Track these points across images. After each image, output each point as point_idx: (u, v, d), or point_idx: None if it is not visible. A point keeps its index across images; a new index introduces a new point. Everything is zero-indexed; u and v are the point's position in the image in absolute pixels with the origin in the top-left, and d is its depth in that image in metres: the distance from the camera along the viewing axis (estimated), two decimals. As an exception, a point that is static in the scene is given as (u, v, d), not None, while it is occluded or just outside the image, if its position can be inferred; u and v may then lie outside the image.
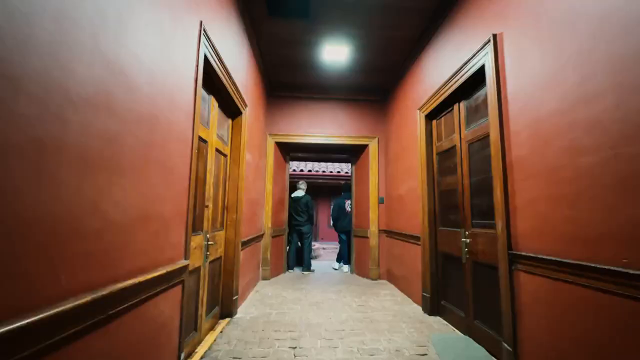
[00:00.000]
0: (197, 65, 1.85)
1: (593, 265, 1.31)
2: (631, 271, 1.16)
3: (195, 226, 2.07)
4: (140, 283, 1.19)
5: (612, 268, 1.23)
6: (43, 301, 0.79)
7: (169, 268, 1.42)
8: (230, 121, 3.00)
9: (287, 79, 4.50)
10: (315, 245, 8.98)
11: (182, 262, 1.60)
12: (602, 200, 1.29)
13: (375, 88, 4.74)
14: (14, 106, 0.71)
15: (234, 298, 2.85)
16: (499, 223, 1.94)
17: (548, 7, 1.62)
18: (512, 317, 1.83)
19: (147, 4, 1.27)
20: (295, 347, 2.30)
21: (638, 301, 1.15)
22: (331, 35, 3.39)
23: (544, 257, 1.58)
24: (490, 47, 2.09)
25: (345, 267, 5.44)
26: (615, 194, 1.24)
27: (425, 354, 2.18)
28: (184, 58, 1.66)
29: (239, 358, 2.10)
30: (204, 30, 1.92)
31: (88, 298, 0.92)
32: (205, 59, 2.01)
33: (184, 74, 1.67)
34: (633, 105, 1.18)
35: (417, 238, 3.32)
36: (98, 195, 0.99)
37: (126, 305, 1.13)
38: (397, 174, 4.19)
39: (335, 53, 3.70)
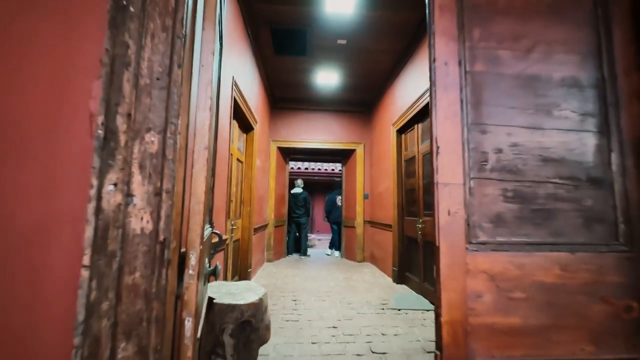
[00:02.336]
0: (231, 106, 2.79)
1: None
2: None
3: (227, 215, 3.03)
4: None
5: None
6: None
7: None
8: (245, 135, 3.94)
9: (287, 94, 5.43)
10: (311, 236, 9.97)
11: (225, 236, 2.56)
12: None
13: (361, 102, 5.68)
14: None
15: (249, 270, 3.82)
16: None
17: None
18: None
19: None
20: (296, 301, 3.28)
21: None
22: (324, 66, 4.32)
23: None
24: (431, 91, 3.05)
25: (336, 253, 6.44)
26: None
27: (386, 303, 3.18)
28: (225, 104, 2.60)
29: (257, 305, 3.08)
30: (234, 80, 2.85)
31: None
32: (234, 99, 2.94)
33: (225, 114, 2.61)
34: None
35: (390, 226, 4.30)
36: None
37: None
38: (377, 175, 5.16)
39: (327, 78, 4.64)
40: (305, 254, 6.10)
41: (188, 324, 0.73)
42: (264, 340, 1.79)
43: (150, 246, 0.62)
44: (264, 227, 5.05)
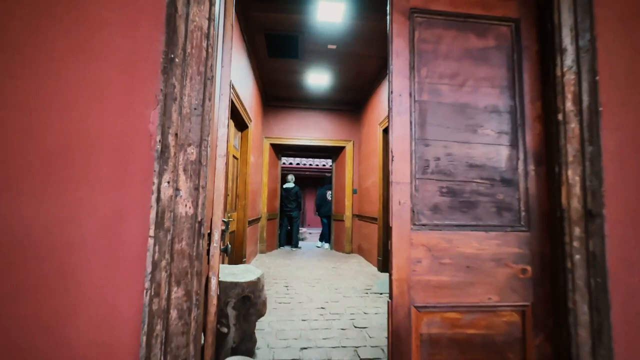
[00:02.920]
0: (229, 108, 3.06)
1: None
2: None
3: (225, 207, 3.32)
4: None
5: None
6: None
7: (221, 228, 2.67)
8: (240, 133, 4.21)
9: (280, 93, 5.69)
10: (303, 230, 10.30)
11: (223, 227, 2.85)
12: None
13: (350, 101, 5.98)
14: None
15: (243, 260, 4.13)
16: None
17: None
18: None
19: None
20: (287, 287, 3.61)
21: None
22: (315, 68, 4.60)
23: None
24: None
25: (326, 245, 6.79)
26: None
27: (370, 288, 3.54)
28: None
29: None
30: (232, 84, 3.12)
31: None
32: (231, 100, 3.22)
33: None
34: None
35: (376, 219, 4.65)
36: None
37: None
38: (365, 170, 5.50)
39: (319, 79, 4.92)
40: (296, 246, 6.43)
41: (213, 279, 1.04)
42: (260, 314, 2.11)
43: (191, 224, 0.92)
44: (257, 220, 5.35)
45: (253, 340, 2.08)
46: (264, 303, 2.14)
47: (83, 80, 0.91)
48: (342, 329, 2.48)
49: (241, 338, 1.99)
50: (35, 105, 0.89)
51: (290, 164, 10.75)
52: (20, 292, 0.84)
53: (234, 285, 1.93)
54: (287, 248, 6.51)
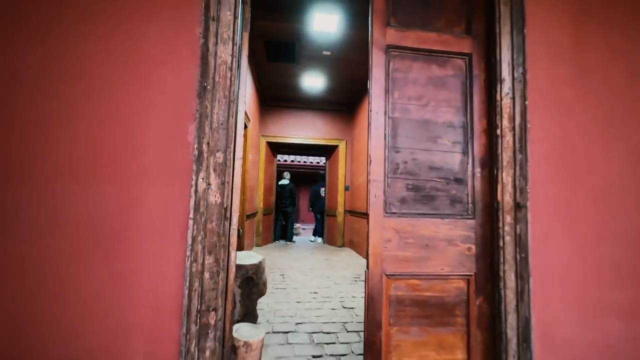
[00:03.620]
0: (243, 121, 3.37)
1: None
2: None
3: (226, 201, 3.64)
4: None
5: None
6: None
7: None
8: (240, 133, 4.52)
9: (277, 94, 6.00)
10: (297, 225, 10.64)
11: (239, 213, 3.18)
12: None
13: (344, 102, 6.32)
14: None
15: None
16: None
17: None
18: (400, 251, 3.54)
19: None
20: (283, 275, 3.96)
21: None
22: (311, 71, 4.93)
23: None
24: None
25: (319, 239, 7.15)
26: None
27: (359, 277, 3.91)
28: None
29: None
30: (235, 89, 3.43)
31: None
32: (234, 104, 3.52)
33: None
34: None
35: (366, 214, 5.01)
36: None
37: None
38: (356, 168, 5.85)
39: (314, 81, 5.25)
40: (291, 240, 6.77)
41: (232, 253, 1.37)
42: (261, 293, 2.45)
43: (219, 210, 1.26)
44: (254, 214, 5.67)
45: (255, 316, 2.43)
46: (265, 284, 2.48)
47: (140, 102, 1.23)
48: (332, 309, 2.85)
49: (245, 313, 2.33)
50: (106, 119, 1.21)
51: (285, 161, 11.06)
52: (94, 258, 1.17)
53: (240, 267, 2.26)
54: (281, 242, 6.86)
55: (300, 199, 13.84)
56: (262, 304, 2.90)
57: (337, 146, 6.52)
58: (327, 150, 6.97)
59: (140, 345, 1.18)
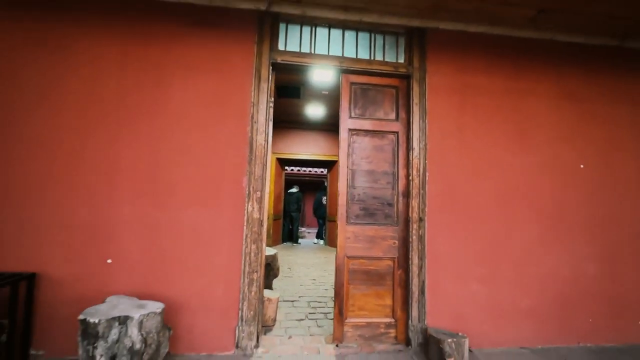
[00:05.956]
0: (269, 170, 4.68)
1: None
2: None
3: (247, 211, 4.94)
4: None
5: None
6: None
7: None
8: (256, 155, 5.84)
9: (285, 118, 7.31)
10: (302, 229, 11.92)
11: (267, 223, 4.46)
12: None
13: (342, 124, 7.58)
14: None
15: (257, 249, 5.75)
16: (377, 211, 4.88)
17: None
18: (379, 249, 4.78)
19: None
20: (290, 268, 5.24)
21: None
22: (313, 104, 6.22)
23: (384, 224, 4.53)
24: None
25: (321, 242, 8.40)
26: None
27: (348, 269, 5.17)
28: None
29: (266, 269, 5.02)
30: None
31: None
32: (254, 137, 4.83)
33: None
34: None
35: (358, 220, 6.26)
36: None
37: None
38: (352, 182, 7.11)
39: (316, 110, 6.54)
40: (297, 241, 8.05)
41: (263, 244, 2.66)
42: (276, 275, 3.73)
43: (258, 221, 2.54)
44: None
45: (271, 290, 3.70)
46: (278, 269, 3.76)
47: (220, 166, 2.53)
48: (325, 289, 4.11)
49: (265, 287, 3.61)
50: (204, 177, 2.51)
51: (293, 170, 12.37)
52: (197, 246, 2.46)
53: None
54: (288, 243, 8.13)
55: (305, 205, 15.11)
56: (275, 285, 4.17)
57: (336, 161, 7.78)
58: (327, 164, 8.24)
59: (220, 290, 2.46)
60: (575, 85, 3.03)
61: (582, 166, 2.93)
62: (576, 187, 2.89)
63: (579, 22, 2.81)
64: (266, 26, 2.70)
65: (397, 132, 2.83)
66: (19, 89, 2.42)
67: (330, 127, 7.72)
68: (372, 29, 2.89)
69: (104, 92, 2.50)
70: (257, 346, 2.49)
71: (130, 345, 1.87)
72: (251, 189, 2.54)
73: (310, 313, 3.30)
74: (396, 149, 2.83)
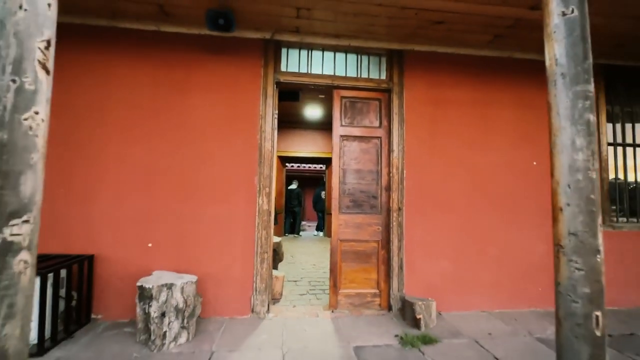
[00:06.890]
0: (275, 170, 5.30)
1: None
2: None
3: (253, 205, 5.58)
4: (253, 219, 4.71)
5: (381, 215, 4.82)
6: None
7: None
8: (259, 154, 6.46)
9: (284, 119, 7.90)
10: (303, 222, 12.57)
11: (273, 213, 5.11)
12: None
13: (339, 123, 8.19)
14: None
15: (262, 240, 6.41)
16: (370, 204, 5.53)
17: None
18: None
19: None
20: (292, 256, 5.91)
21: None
22: (310, 106, 6.83)
23: (375, 215, 5.17)
24: (371, 135, 5.60)
25: (321, 234, 9.06)
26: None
27: (345, 256, 5.84)
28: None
29: (271, 256, 5.68)
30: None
31: (251, 219, 4.45)
32: (258, 139, 5.45)
33: (256, 152, 5.13)
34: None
35: (354, 213, 6.90)
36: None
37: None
38: (349, 177, 7.74)
39: (313, 112, 7.14)
40: (298, 234, 8.71)
41: (271, 231, 3.30)
42: (281, 259, 4.38)
43: (267, 212, 3.18)
44: (269, 213, 7.60)
45: (277, 273, 4.35)
46: (283, 254, 4.41)
47: (237, 168, 3.15)
48: (324, 272, 4.76)
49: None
50: (224, 181, 3.13)
51: (293, 166, 12.98)
52: (219, 233, 3.09)
53: (269, 243, 4.18)
54: (290, 236, 8.79)
55: (306, 200, 15.74)
56: (281, 269, 4.82)
57: (334, 158, 8.40)
58: (326, 161, 8.86)
59: (238, 267, 3.11)
60: (531, 95, 3.64)
61: (535, 163, 3.56)
62: (528, 181, 3.53)
63: (529, 44, 3.41)
64: (270, 51, 3.31)
65: (380, 137, 3.45)
66: (72, 106, 3.04)
67: (327, 126, 8.32)
68: (359, 51, 3.49)
69: (140, 109, 3.12)
70: (268, 312, 3.14)
71: (176, 304, 2.52)
72: (261, 185, 3.17)
73: (310, 290, 3.95)
74: (379, 151, 3.45)
